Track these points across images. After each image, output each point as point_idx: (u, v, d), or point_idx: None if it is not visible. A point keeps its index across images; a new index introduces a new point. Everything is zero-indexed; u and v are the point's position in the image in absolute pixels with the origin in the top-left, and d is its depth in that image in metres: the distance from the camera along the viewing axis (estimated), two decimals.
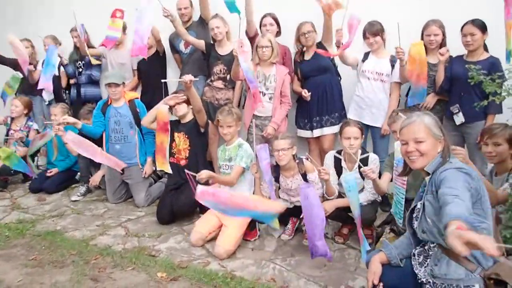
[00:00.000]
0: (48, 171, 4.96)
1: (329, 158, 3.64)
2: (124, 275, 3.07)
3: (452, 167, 1.97)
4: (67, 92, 5.80)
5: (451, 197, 1.76)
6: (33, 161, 5.03)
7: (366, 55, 4.07)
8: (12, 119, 5.18)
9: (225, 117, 3.66)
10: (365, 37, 3.97)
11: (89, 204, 4.58)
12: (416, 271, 2.17)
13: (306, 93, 4.18)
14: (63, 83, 5.77)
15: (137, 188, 4.45)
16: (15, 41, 4.74)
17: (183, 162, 4.10)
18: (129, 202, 4.59)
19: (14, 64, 5.68)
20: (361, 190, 3.42)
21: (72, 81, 5.70)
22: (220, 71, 4.63)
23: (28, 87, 5.64)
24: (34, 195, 4.84)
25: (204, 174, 3.38)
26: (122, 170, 4.36)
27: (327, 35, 4.05)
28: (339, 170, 3.60)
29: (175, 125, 4.03)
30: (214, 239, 3.53)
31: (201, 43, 4.68)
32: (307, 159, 3.58)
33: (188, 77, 3.63)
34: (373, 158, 3.48)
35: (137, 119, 4.38)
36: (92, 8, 5.52)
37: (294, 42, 4.34)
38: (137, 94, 4.73)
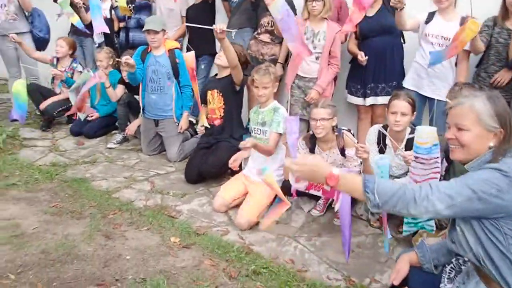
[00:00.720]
0: (90, 114, 4.91)
1: (373, 133, 3.21)
2: (137, 235, 2.93)
3: (493, 167, 1.53)
4: (117, 35, 5.66)
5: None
6: None
7: (431, 16, 3.48)
8: (58, 59, 5.12)
9: (261, 77, 3.31)
10: None
11: (123, 153, 4.49)
12: (442, 286, 1.81)
13: (362, 57, 3.71)
14: (115, 26, 5.62)
15: (170, 142, 4.28)
16: None
17: (217, 122, 3.85)
18: (163, 155, 4.44)
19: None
20: (406, 173, 3.02)
21: (121, 25, 5.54)
22: (268, 23, 4.25)
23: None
24: (74, 138, 4.83)
25: (249, 143, 3.11)
26: (157, 122, 4.21)
27: None
28: (382, 148, 3.19)
29: (210, 82, 3.75)
30: (238, 205, 3.30)
31: None
32: (349, 131, 3.20)
33: (218, 26, 3.19)
34: None
35: (176, 70, 4.15)
36: None
37: None
38: (177, 43, 4.45)
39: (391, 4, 3.27)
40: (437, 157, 2.20)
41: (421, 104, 3.53)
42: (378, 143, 3.18)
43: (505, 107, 1.65)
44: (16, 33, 4.73)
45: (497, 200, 1.47)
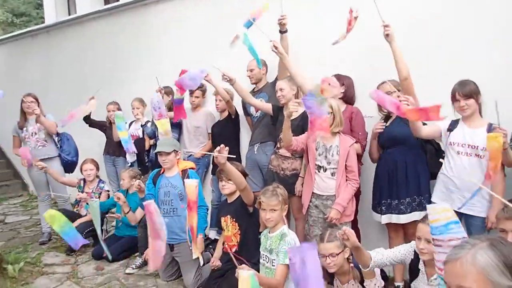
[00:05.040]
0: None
1: (404, 249, 2.79)
2: None
3: None
4: (147, 154, 5.73)
5: None
6: (102, 224, 4.96)
7: (455, 123, 3.13)
8: (85, 181, 5.19)
9: (268, 199, 3.04)
10: (454, 99, 3.05)
11: (141, 279, 4.23)
12: None
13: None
14: (146, 145, 5.72)
15: (186, 268, 4.00)
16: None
17: (234, 249, 3.57)
18: (180, 280, 4.14)
19: (101, 126, 5.87)
20: None
21: (151, 142, 5.61)
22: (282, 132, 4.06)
23: (113, 147, 5.72)
24: (95, 262, 4.68)
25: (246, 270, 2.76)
26: (172, 246, 3.98)
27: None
28: (414, 271, 2.73)
29: (222, 207, 3.53)
30: None
31: (267, 107, 4.21)
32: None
33: (216, 153, 2.99)
34: None
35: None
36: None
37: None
38: (192, 164, 4.35)
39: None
40: (458, 238, 1.76)
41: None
42: (411, 266, 2.72)
43: None
44: (46, 158, 4.89)
45: None
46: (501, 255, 1.23)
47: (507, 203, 1.73)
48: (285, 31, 4.04)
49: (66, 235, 4.25)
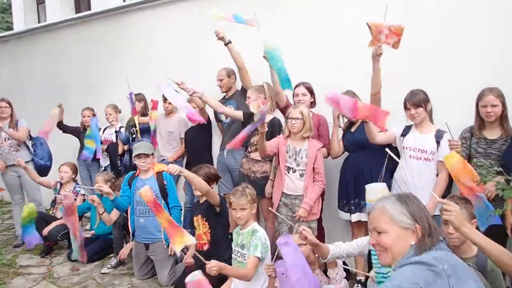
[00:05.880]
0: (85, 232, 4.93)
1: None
2: None
3: (416, 260, 1.55)
4: (120, 158, 5.89)
5: None
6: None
7: (407, 129, 3.50)
8: (61, 184, 5.31)
9: (238, 199, 3.30)
10: (405, 107, 3.41)
11: (116, 278, 4.39)
12: None
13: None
14: (119, 149, 5.87)
15: (160, 266, 4.19)
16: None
17: (206, 247, 3.81)
18: (155, 279, 4.31)
19: (75, 131, 6.01)
20: None
21: (125, 147, 5.77)
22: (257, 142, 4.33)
23: None
24: (71, 263, 4.79)
25: (214, 264, 3.00)
26: (147, 245, 4.17)
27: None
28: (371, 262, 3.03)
29: (194, 207, 3.77)
30: None
31: (237, 114, 4.45)
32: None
33: (173, 168, 3.46)
34: None
35: (164, 192, 4.20)
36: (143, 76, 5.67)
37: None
38: (166, 167, 4.57)
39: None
40: None
41: None
42: (368, 257, 3.02)
43: (419, 205, 1.72)
44: None
45: None
46: (404, 204, 1.70)
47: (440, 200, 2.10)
48: (229, 42, 4.31)
49: (25, 230, 4.44)
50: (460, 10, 3.64)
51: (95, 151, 5.49)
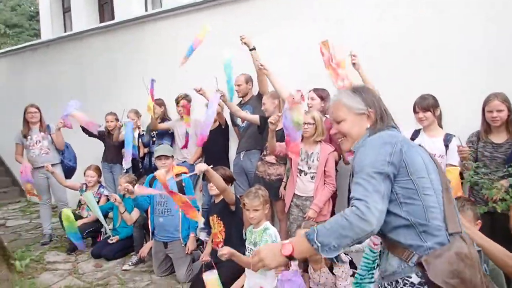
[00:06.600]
0: (110, 238, 5.17)
1: None
2: None
3: (373, 137, 1.76)
4: (141, 161, 6.12)
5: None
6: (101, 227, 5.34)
7: (417, 133, 3.62)
8: (86, 186, 5.58)
9: (251, 200, 3.47)
10: (415, 111, 3.54)
11: (137, 275, 4.61)
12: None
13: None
14: (141, 152, 6.11)
15: (178, 264, 4.39)
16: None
17: (221, 246, 3.96)
18: (173, 275, 4.52)
19: (99, 135, 6.27)
20: None
21: (145, 150, 6.01)
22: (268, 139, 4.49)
23: (111, 155, 6.10)
24: (94, 260, 5.05)
25: (225, 250, 3.21)
26: (166, 244, 4.37)
27: None
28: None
29: (210, 207, 3.96)
30: None
31: (254, 118, 4.63)
32: None
33: (199, 167, 3.71)
34: None
35: (182, 193, 4.37)
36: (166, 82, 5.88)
37: None
38: (185, 169, 4.78)
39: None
40: None
41: None
42: None
43: (372, 93, 1.91)
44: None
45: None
46: (358, 93, 1.88)
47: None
48: (253, 49, 4.46)
49: (72, 237, 4.74)
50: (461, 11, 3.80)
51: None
